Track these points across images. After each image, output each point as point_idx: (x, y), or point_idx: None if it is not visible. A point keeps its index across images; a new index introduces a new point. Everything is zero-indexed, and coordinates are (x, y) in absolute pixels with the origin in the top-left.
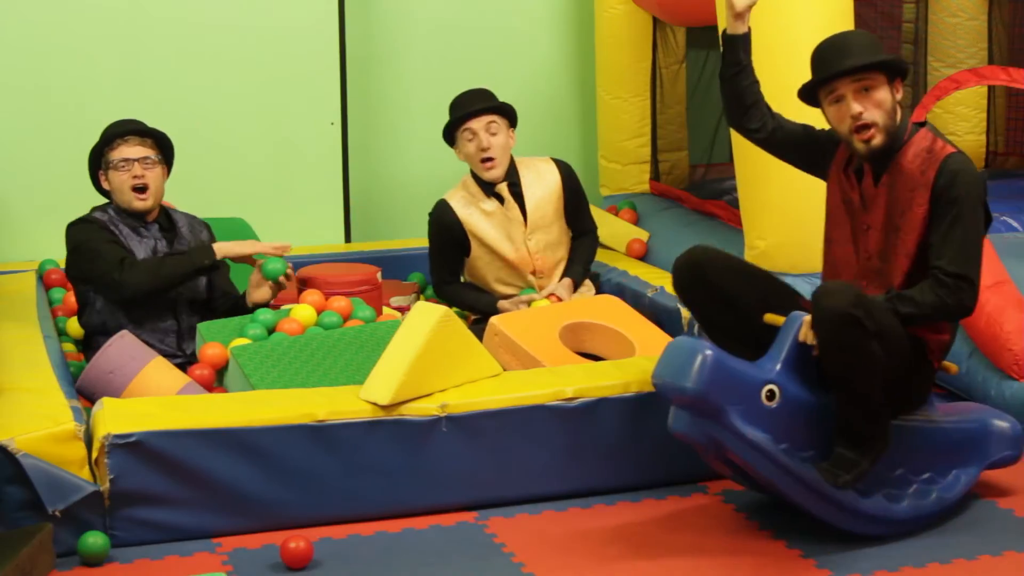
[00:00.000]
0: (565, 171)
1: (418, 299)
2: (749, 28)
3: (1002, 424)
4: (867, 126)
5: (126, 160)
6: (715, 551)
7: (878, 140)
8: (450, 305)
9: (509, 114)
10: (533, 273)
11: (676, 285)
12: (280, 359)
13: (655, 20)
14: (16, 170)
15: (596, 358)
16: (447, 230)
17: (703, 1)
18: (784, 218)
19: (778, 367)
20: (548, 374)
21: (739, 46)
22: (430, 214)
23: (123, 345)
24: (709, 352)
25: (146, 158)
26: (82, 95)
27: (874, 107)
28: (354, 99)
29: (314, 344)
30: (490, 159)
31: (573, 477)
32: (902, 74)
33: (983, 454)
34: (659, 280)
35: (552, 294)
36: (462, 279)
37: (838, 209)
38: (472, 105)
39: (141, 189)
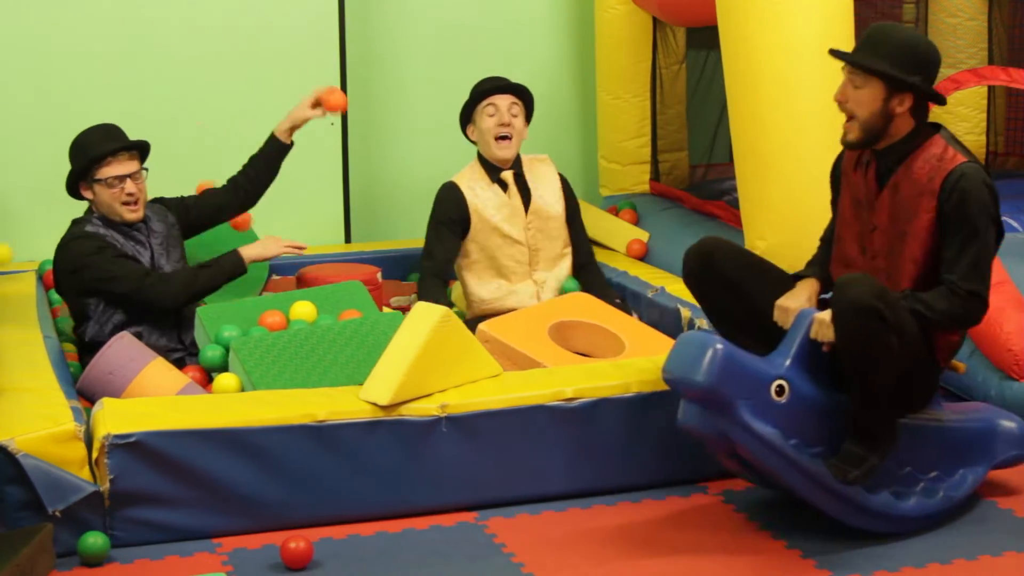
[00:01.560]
0: (561, 177)
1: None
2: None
3: (1009, 424)
4: (848, 115)
5: (118, 177)
6: (715, 551)
7: (852, 136)
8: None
9: (528, 106)
10: (530, 263)
11: (686, 273)
12: (281, 355)
13: (655, 20)
14: (16, 170)
15: (584, 356)
16: (452, 205)
17: (703, 1)
18: (784, 218)
19: (788, 363)
20: (548, 374)
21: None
22: (437, 193)
23: (122, 346)
24: (720, 346)
25: (136, 172)
26: (83, 95)
27: (854, 102)
28: (354, 99)
29: (315, 339)
30: (507, 137)
31: (573, 477)
32: (905, 88)
33: (990, 454)
34: (659, 280)
35: None
36: (450, 279)
37: (847, 208)
38: (499, 82)
39: (133, 203)
